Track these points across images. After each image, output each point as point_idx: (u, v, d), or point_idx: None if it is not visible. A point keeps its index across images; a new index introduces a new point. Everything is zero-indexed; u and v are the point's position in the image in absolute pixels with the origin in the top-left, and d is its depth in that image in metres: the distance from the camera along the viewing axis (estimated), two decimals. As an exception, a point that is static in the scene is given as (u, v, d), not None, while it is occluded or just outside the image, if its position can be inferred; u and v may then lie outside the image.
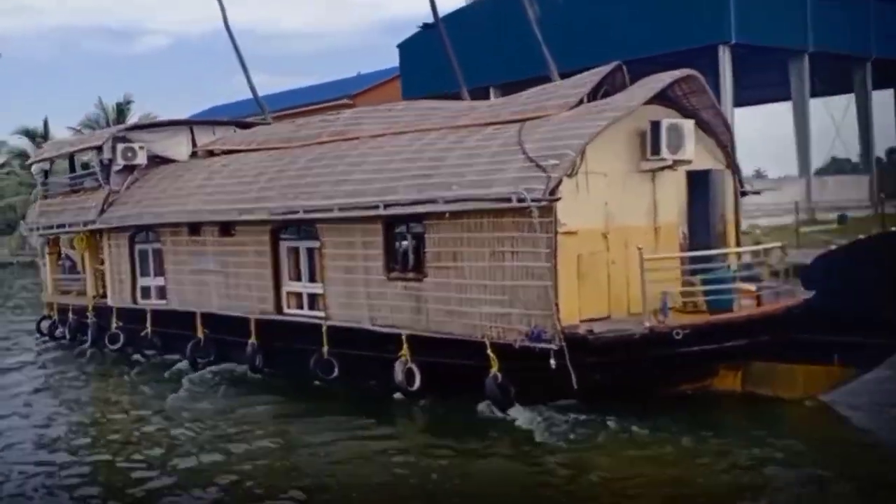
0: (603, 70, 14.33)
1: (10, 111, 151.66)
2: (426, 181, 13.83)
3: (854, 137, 42.16)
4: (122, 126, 25.36)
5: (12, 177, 57.81)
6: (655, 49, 19.18)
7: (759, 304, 12.57)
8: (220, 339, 18.13)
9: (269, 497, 10.31)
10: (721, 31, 25.11)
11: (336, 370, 15.43)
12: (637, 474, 10.70)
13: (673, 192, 14.24)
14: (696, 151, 13.84)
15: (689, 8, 27.99)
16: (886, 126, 45.27)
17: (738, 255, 14.45)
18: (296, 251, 16.52)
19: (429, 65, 31.72)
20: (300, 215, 15.54)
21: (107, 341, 20.96)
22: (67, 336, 23.02)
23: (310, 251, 16.21)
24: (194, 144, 22.12)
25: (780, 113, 40.07)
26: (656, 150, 13.35)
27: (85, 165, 24.13)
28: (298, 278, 16.49)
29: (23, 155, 56.98)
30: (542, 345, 12.39)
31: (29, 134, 55.55)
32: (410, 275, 14.24)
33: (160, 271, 19.84)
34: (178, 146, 22.00)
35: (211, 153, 21.38)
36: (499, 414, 12.85)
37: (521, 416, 12.59)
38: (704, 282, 12.86)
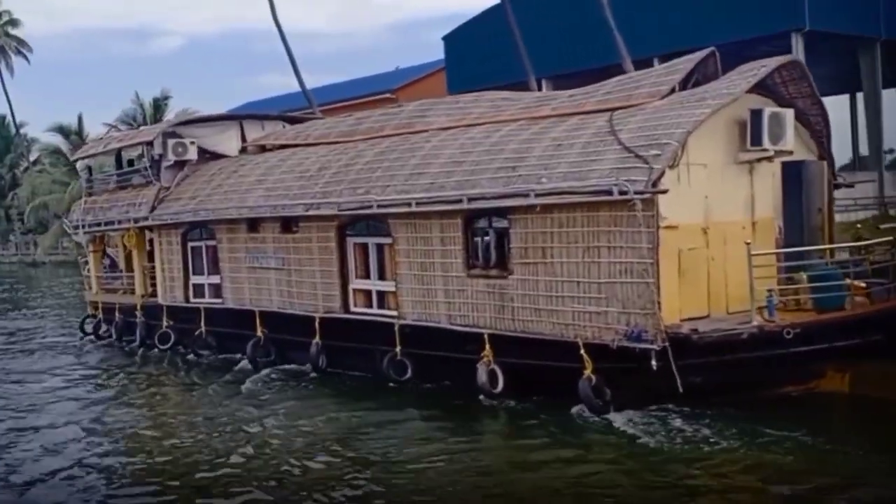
0: (695, 57, 13.70)
1: (36, 110, 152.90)
2: (512, 174, 13.22)
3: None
4: (171, 121, 24.74)
5: (45, 174, 57.06)
6: (722, 37, 18.43)
7: (871, 302, 11.91)
8: (280, 339, 17.60)
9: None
10: (795, 16, 23.94)
11: (409, 371, 14.85)
12: (755, 481, 10.07)
13: (769, 185, 13.60)
14: (792, 142, 13.20)
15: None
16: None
17: (832, 251, 13.81)
18: (364, 247, 15.94)
19: (475, 56, 30.98)
20: (374, 210, 14.93)
21: (157, 341, 20.49)
22: (114, 335, 22.57)
23: (379, 247, 15.63)
24: (243, 139, 21.63)
25: (831, 105, 38.81)
26: (757, 140, 12.69)
27: (129, 162, 23.66)
28: (367, 276, 15.92)
29: (56, 152, 56.44)
30: (643, 345, 11.76)
31: (63, 131, 54.92)
32: (493, 271, 13.62)
33: (215, 269, 19.32)
34: (228, 141, 21.51)
35: (263, 148, 20.88)
36: (593, 417, 12.24)
37: (618, 419, 11.98)
38: (812, 279, 12.18)
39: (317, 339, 16.32)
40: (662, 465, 10.56)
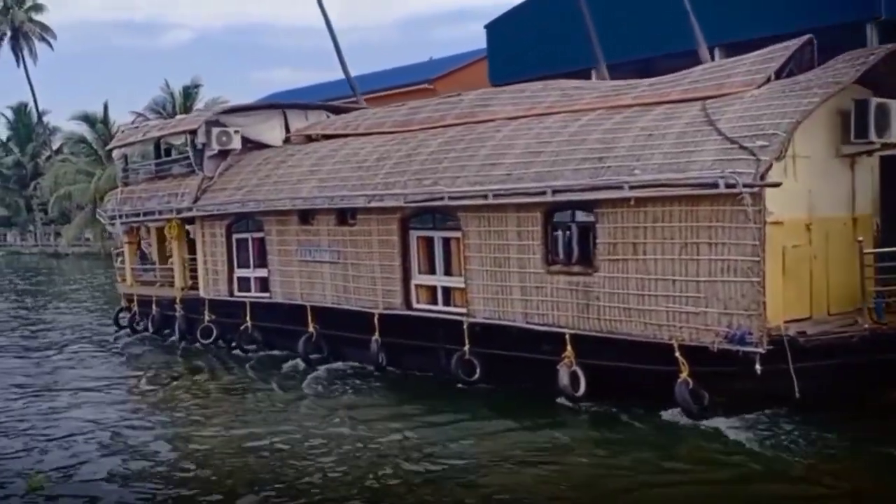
0: (792, 45, 13.00)
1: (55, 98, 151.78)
2: (598, 165, 12.52)
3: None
4: (215, 109, 24.06)
5: (68, 164, 55.63)
6: (791, 27, 17.66)
7: None
8: (334, 335, 16.94)
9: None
10: (871, 5, 23.07)
11: (478, 371, 14.19)
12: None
13: (868, 180, 12.93)
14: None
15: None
16: None
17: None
18: (429, 241, 15.24)
19: (521, 44, 30.09)
20: (445, 202, 14.23)
21: (199, 335, 19.84)
22: (151, 329, 21.90)
23: (446, 241, 14.94)
24: (287, 129, 20.95)
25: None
26: (862, 132, 12.01)
27: (167, 151, 22.99)
28: (431, 271, 15.21)
29: (81, 141, 55.33)
30: (747, 348, 11.08)
31: (88, 119, 53.75)
32: (576, 268, 12.94)
33: (262, 262, 18.63)
34: (271, 130, 20.82)
35: (308, 138, 20.18)
36: (689, 423, 11.58)
37: (720, 425, 11.34)
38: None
39: (376, 336, 15.65)
40: (763, 475, 9.97)
